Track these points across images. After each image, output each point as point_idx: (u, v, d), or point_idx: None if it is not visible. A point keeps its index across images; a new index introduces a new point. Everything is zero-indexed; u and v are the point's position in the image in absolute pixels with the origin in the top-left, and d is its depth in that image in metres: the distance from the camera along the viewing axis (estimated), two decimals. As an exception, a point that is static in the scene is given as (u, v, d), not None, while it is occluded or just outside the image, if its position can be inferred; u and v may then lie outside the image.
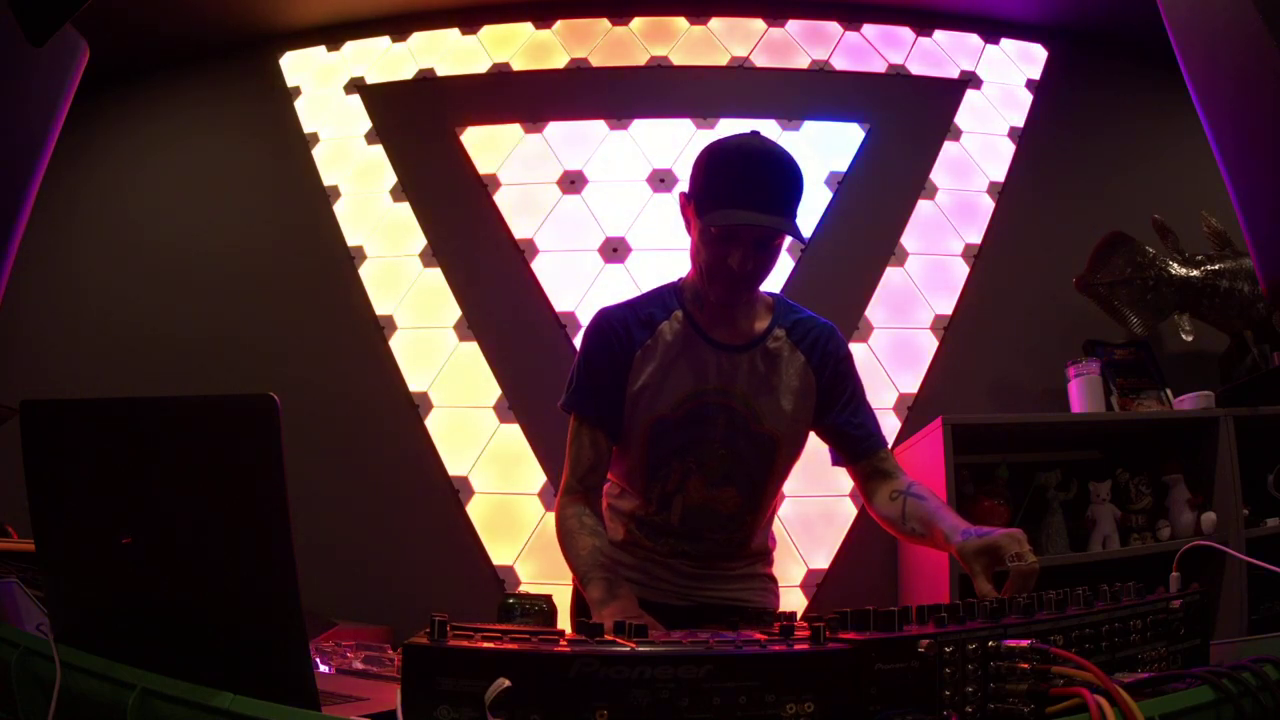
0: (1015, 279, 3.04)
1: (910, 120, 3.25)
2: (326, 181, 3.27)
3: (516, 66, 3.35)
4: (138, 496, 0.87)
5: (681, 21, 3.39)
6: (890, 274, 3.03)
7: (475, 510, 2.78)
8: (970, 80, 3.35)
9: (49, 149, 1.75)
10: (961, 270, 3.06)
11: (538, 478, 2.78)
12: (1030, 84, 3.38)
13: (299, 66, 3.51)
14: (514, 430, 2.85)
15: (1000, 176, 3.20)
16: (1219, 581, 2.26)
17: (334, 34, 3.51)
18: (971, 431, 2.41)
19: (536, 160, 3.17)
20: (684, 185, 1.42)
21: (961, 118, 3.28)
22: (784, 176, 1.31)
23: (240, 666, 0.81)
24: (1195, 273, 2.76)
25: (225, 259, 3.19)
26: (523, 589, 2.67)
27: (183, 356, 3.04)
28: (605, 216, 3.06)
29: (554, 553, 1.40)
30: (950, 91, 3.32)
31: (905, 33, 3.41)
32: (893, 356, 2.92)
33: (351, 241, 3.16)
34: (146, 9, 3.23)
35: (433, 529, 2.78)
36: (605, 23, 3.40)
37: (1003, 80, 3.37)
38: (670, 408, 1.42)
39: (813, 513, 2.75)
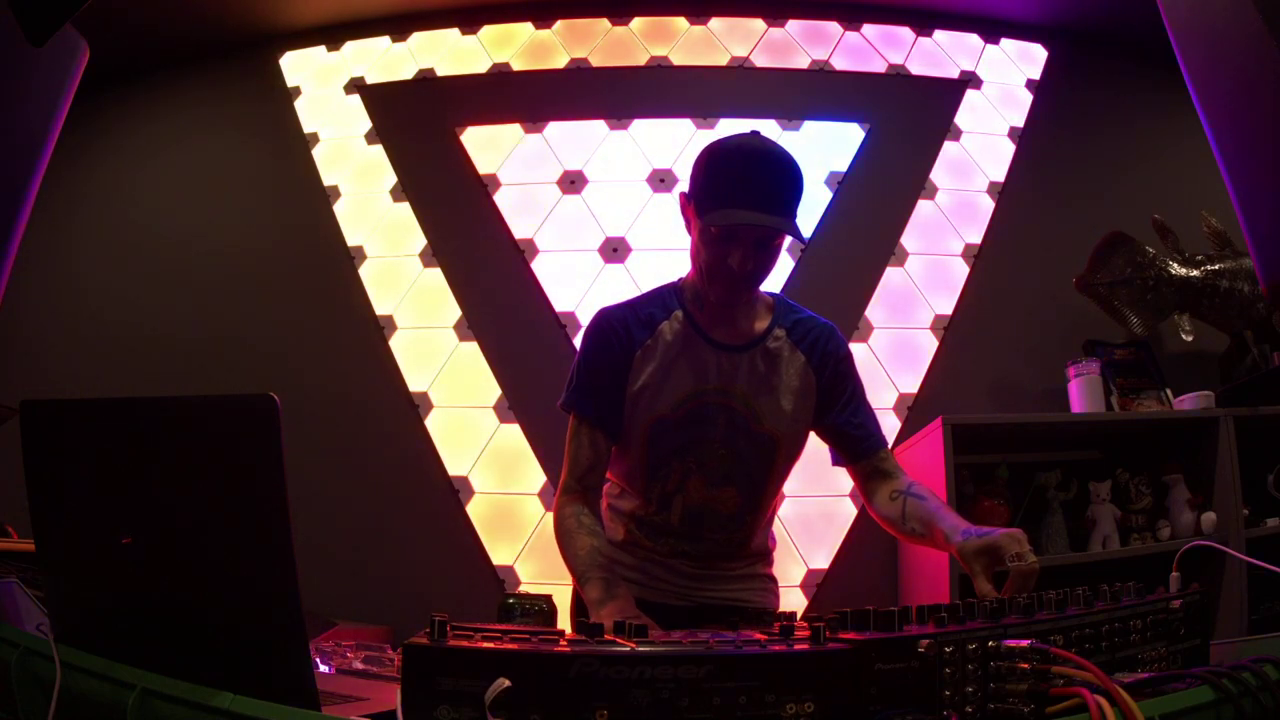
0: (1015, 279, 3.04)
1: (910, 120, 3.25)
2: (326, 181, 3.27)
3: (516, 66, 3.35)
4: (138, 496, 0.87)
5: (681, 21, 3.39)
6: (890, 274, 3.03)
7: (475, 510, 2.78)
8: (970, 80, 3.35)
9: (49, 149, 1.75)
10: (961, 270, 3.06)
11: (538, 478, 2.78)
12: (1030, 84, 3.38)
13: (299, 66, 3.51)
14: (514, 430, 2.85)
15: (1000, 176, 3.20)
16: (1219, 581, 2.25)
17: (334, 34, 3.51)
18: (971, 431, 2.41)
19: (536, 160, 3.17)
20: (684, 185, 1.42)
21: (961, 118, 3.28)
22: (784, 176, 1.31)
23: (240, 666, 0.81)
24: (1195, 273, 2.76)
25: (225, 259, 3.19)
26: (523, 589, 2.67)
27: (183, 356, 3.04)
28: (605, 216, 3.06)
29: (554, 553, 1.40)
30: (950, 91, 3.32)
31: (905, 33, 3.41)
32: (893, 356, 2.92)
33: (351, 241, 3.16)
34: (146, 9, 3.23)
35: (433, 529, 2.78)
36: (605, 23, 3.40)
37: (1003, 80, 3.37)
38: (670, 408, 1.42)
39: (813, 513, 2.75)
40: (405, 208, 3.17)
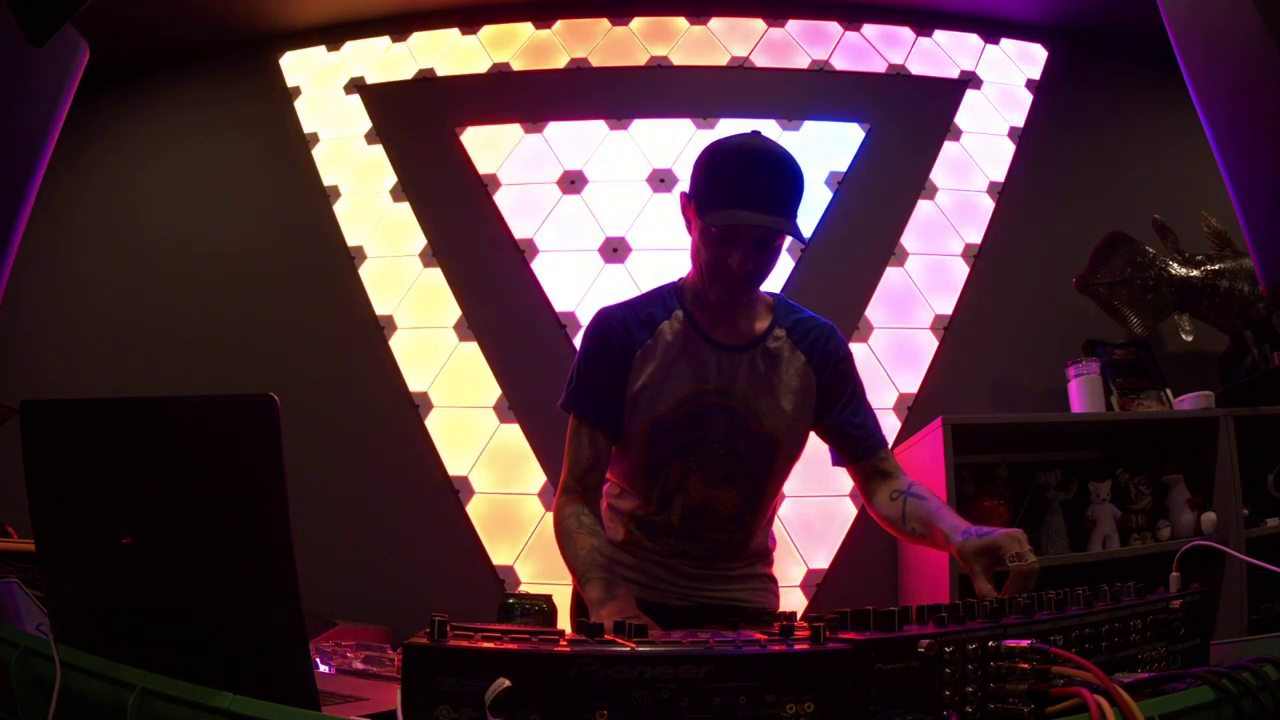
0: (1015, 279, 3.04)
1: (910, 120, 3.25)
2: (326, 181, 3.27)
3: (516, 66, 3.35)
4: (138, 496, 0.87)
5: (681, 21, 3.39)
6: (890, 274, 3.03)
7: (475, 510, 2.78)
8: (970, 80, 3.35)
9: (49, 149, 1.75)
10: (961, 270, 3.06)
11: (538, 478, 2.78)
12: (1030, 84, 3.38)
13: (299, 66, 3.51)
14: (514, 430, 2.85)
15: (1000, 176, 3.20)
16: (1219, 581, 2.26)
17: (334, 34, 3.51)
18: (971, 431, 2.41)
19: (536, 160, 3.17)
20: (684, 185, 1.42)
21: (961, 118, 3.28)
22: (784, 177, 1.31)
23: (240, 666, 0.81)
24: (1195, 273, 2.76)
25: (225, 259, 3.19)
26: (523, 589, 2.67)
27: (183, 356, 3.04)
28: (605, 216, 3.06)
29: (554, 553, 1.40)
30: (950, 91, 3.32)
31: (905, 33, 3.41)
32: (893, 356, 2.92)
33: (351, 241, 3.16)
34: (146, 9, 3.23)
35: (433, 529, 2.78)
36: (605, 23, 3.40)
37: (1003, 80, 3.37)
38: (670, 408, 1.42)
39: (813, 513, 2.75)
40: (405, 208, 3.17)
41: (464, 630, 0.70)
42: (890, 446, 1.55)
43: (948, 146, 3.22)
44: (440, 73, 3.38)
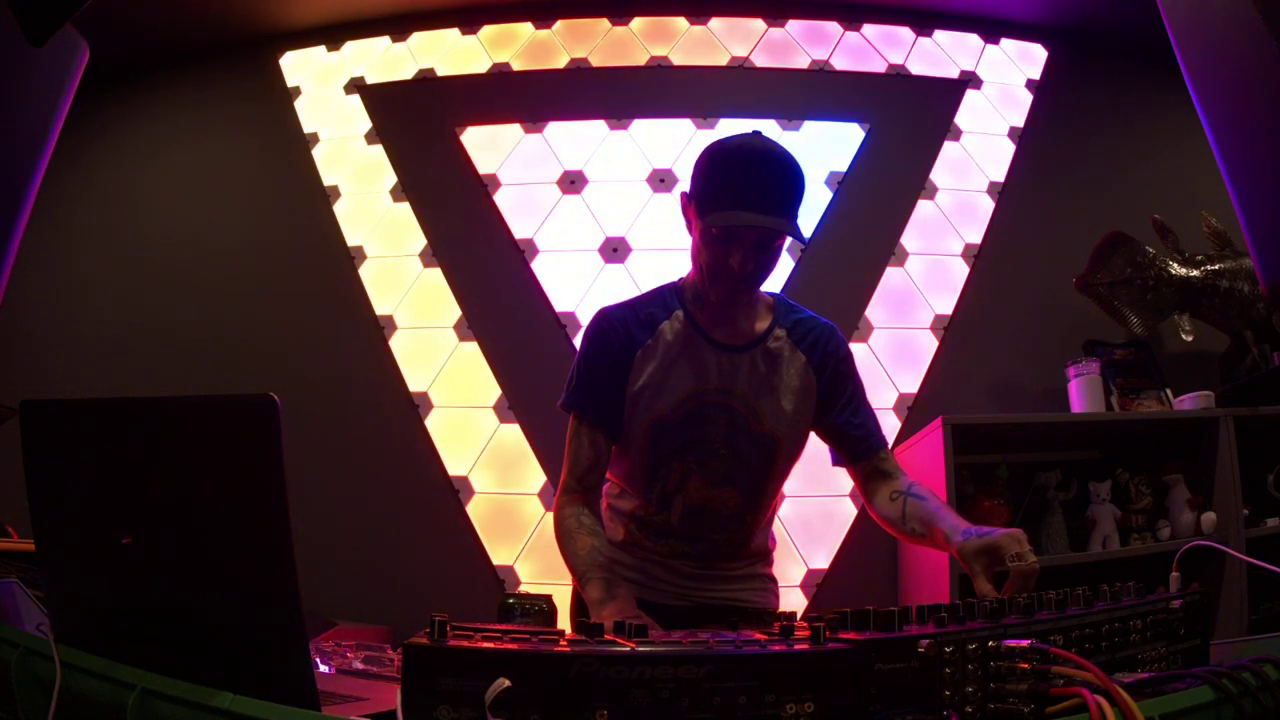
0: (1015, 279, 3.04)
1: (910, 120, 3.25)
2: (326, 181, 3.27)
3: (516, 66, 3.35)
4: (138, 496, 0.87)
5: (681, 21, 3.39)
6: (890, 274, 3.03)
7: (475, 510, 2.78)
8: (970, 80, 3.35)
9: (49, 149, 1.75)
10: (961, 270, 3.06)
11: (538, 478, 2.78)
12: (1030, 84, 3.38)
13: (299, 66, 3.51)
14: (514, 430, 2.85)
15: (1000, 176, 3.20)
16: (1219, 581, 2.26)
17: (334, 34, 3.51)
18: (971, 431, 2.41)
19: (536, 160, 3.17)
20: (685, 185, 1.42)
21: (961, 118, 3.28)
22: (785, 177, 1.31)
23: (240, 666, 0.81)
24: (1195, 273, 2.76)
25: (225, 259, 3.19)
26: (523, 589, 2.67)
27: (183, 356, 3.04)
28: (605, 216, 3.06)
29: (554, 553, 1.40)
30: (950, 91, 3.32)
31: (905, 33, 3.41)
32: (893, 356, 2.92)
33: (351, 241, 3.16)
34: (146, 9, 3.23)
35: (433, 529, 2.78)
36: (605, 23, 3.40)
37: (1003, 80, 3.37)
38: (670, 408, 1.42)
39: (813, 513, 2.75)
40: (405, 208, 3.17)
41: (464, 630, 0.70)
42: (890, 446, 1.55)
43: (948, 146, 3.22)
44: (440, 73, 3.38)
